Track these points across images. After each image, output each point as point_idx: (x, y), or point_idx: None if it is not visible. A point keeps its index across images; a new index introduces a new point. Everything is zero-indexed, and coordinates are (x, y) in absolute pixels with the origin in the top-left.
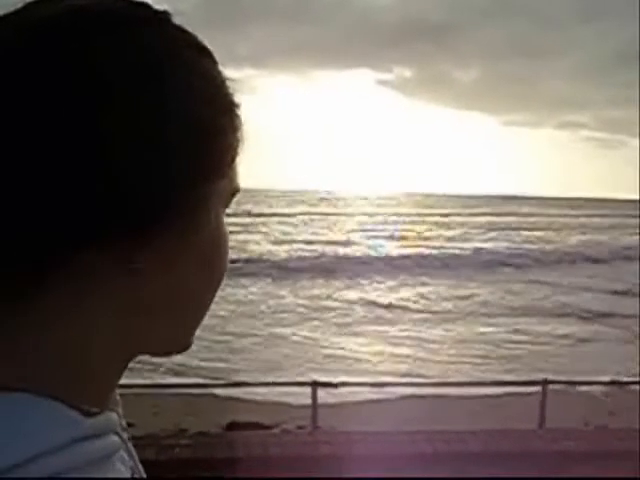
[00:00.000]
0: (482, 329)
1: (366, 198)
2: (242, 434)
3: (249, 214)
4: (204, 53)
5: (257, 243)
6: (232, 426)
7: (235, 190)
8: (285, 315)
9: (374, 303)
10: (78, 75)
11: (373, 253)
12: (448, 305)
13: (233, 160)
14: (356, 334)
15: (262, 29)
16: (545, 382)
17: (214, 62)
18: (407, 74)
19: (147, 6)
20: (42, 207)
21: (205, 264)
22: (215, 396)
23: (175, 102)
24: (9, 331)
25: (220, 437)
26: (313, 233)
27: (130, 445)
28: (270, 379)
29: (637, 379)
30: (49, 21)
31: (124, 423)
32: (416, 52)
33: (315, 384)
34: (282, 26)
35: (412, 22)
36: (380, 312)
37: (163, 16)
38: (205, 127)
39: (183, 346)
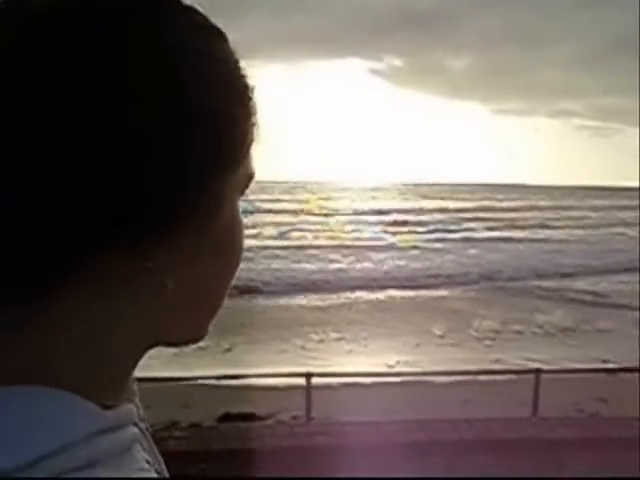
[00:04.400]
0: None
1: (377, 189)
2: (235, 426)
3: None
4: (216, 35)
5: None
6: (225, 418)
7: (250, 176)
8: None
9: None
10: (84, 70)
11: None
12: None
13: (248, 148)
14: None
15: (252, 18)
16: (538, 371)
17: (226, 43)
18: (398, 63)
19: None
20: (60, 207)
21: (221, 254)
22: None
23: (186, 93)
24: (27, 328)
25: (213, 429)
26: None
27: (149, 435)
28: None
29: (629, 366)
30: (52, 8)
31: (142, 413)
32: (407, 40)
33: (309, 375)
34: (272, 15)
35: (403, 10)
36: None
37: None
38: (218, 118)
39: (199, 336)
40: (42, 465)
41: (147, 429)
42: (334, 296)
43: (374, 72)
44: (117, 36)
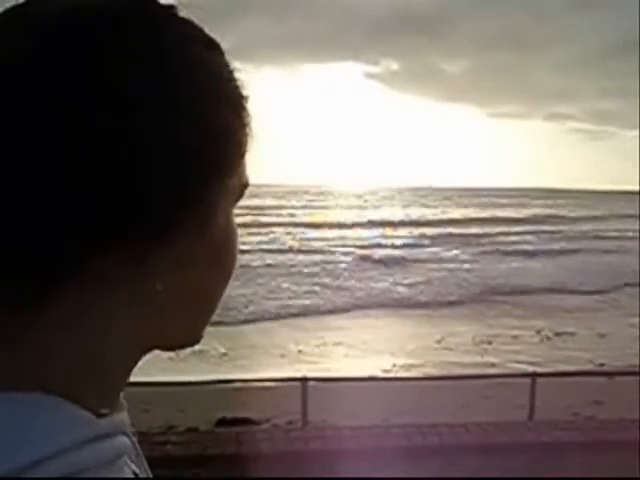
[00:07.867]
0: None
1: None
2: (232, 430)
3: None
4: (212, 47)
5: None
6: (222, 422)
7: (244, 185)
8: None
9: None
10: (85, 78)
11: None
12: None
13: (242, 156)
14: None
15: (248, 22)
16: (534, 374)
17: (222, 54)
18: (394, 67)
19: (152, 1)
20: (58, 210)
21: (216, 261)
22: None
23: (183, 103)
24: (23, 332)
25: (209, 433)
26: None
27: (138, 447)
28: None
29: (626, 369)
30: (50, 22)
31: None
32: (403, 44)
33: (305, 379)
34: (268, 18)
35: (399, 13)
36: None
37: (169, 11)
38: (214, 127)
39: (194, 340)
40: (32, 472)
41: (137, 441)
42: None
43: (371, 76)
44: (113, 47)
